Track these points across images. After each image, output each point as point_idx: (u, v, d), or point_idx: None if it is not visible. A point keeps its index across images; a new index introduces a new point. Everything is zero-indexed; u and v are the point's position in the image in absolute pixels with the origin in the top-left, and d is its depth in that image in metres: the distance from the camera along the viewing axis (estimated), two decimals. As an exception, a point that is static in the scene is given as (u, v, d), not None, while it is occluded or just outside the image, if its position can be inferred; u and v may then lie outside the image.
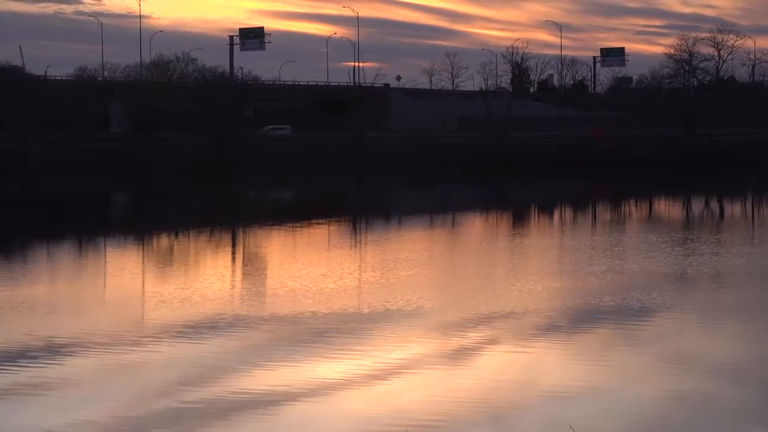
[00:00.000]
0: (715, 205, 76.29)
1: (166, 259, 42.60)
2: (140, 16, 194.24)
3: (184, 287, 32.78)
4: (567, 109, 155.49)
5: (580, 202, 79.31)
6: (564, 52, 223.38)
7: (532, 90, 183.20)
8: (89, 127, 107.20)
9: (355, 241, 50.07)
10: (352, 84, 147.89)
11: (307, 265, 38.20)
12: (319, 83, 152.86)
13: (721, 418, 18.46)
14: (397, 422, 17.85)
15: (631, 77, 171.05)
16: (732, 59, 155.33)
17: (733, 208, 73.99)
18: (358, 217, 65.39)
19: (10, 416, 18.46)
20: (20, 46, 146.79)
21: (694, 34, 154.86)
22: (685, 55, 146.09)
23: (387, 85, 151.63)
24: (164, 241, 51.07)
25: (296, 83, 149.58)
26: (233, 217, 64.56)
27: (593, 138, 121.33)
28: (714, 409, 18.94)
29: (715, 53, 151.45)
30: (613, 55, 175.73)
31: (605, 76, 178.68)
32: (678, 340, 24.90)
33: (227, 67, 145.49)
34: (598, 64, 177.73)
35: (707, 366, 22.12)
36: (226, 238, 52.51)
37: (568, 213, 71.33)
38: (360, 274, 36.44)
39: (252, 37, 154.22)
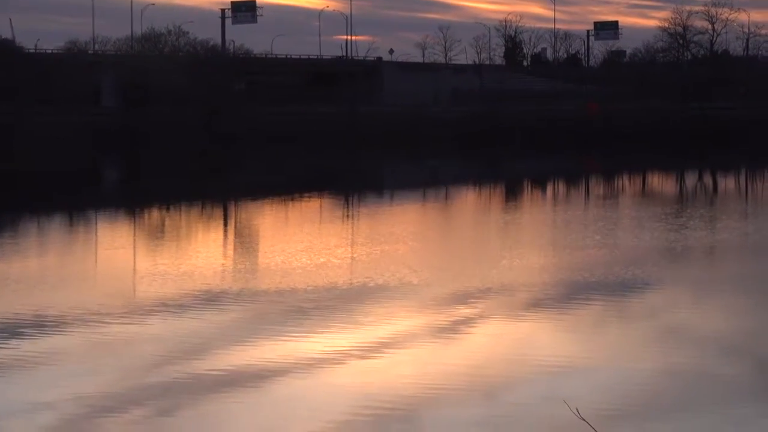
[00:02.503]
0: (708, 180, 76.26)
1: (156, 234, 42.47)
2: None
3: (173, 262, 32.65)
4: (561, 83, 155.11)
5: (573, 176, 79.25)
6: (557, 26, 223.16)
7: (525, 64, 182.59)
8: (80, 101, 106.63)
9: (347, 216, 49.96)
10: (344, 57, 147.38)
11: (296, 240, 38.09)
12: (311, 57, 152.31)
13: (715, 392, 18.41)
14: (387, 398, 17.77)
15: (625, 51, 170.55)
16: (726, 33, 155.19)
17: (727, 183, 73.97)
18: (350, 191, 65.25)
19: (-4, 391, 18.39)
20: (10, 19, 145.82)
21: (688, 8, 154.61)
22: (679, 29, 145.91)
23: (379, 59, 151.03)
24: (154, 216, 50.95)
25: (288, 57, 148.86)
26: (224, 192, 64.40)
27: (587, 112, 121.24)
28: (707, 384, 18.89)
29: (710, 27, 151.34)
30: (606, 29, 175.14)
31: (599, 49, 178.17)
32: (671, 314, 24.84)
33: (219, 41, 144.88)
34: (592, 38, 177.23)
35: (701, 340, 22.06)
36: (217, 213, 52.39)
37: (561, 187, 71.27)
38: (350, 249, 36.35)
39: (244, 10, 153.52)
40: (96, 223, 47.30)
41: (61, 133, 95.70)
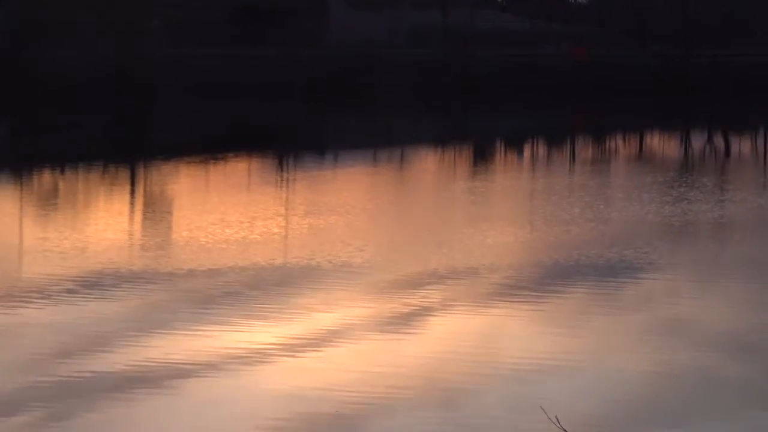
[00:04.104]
0: (716, 141, 76.71)
1: (46, 202, 42.24)
2: None
3: (65, 237, 32.52)
4: (542, 22, 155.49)
5: (556, 135, 79.50)
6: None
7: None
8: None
9: (280, 182, 49.92)
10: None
11: (219, 210, 38.05)
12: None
13: (721, 398, 18.55)
14: (326, 402, 17.79)
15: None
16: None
17: (738, 145, 74.41)
18: (285, 152, 65.17)
19: None
20: None
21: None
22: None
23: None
24: (45, 179, 50.68)
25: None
26: (134, 151, 64.17)
27: (573, 58, 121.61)
28: (711, 388, 19.05)
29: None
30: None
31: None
32: (668, 304, 25.03)
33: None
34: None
35: (703, 336, 22.23)
36: (123, 176, 52.18)
37: (541, 149, 71.54)
38: (284, 222, 36.34)
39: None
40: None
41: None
